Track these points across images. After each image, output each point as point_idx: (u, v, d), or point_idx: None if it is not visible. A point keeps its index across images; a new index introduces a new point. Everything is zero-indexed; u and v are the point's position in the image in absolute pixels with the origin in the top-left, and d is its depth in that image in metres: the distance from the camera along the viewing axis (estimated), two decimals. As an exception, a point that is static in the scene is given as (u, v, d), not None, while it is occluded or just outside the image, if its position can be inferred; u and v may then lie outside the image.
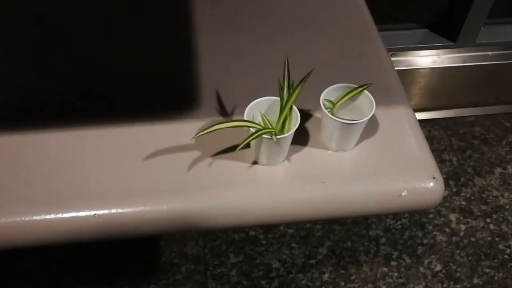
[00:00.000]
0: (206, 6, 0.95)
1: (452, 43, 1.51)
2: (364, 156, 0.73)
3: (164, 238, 1.40)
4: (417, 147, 0.75)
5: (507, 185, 1.55)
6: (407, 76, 1.57)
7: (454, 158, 1.61)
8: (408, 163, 0.73)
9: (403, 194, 0.70)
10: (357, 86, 0.70)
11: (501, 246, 1.43)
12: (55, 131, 0.73)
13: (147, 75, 0.83)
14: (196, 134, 0.64)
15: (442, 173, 1.57)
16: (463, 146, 1.65)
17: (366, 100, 0.70)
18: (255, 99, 0.69)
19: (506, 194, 1.53)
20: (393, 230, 1.45)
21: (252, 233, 1.42)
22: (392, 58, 1.53)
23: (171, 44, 0.88)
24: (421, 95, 1.66)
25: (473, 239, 1.44)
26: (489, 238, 1.44)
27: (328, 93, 0.71)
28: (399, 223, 1.47)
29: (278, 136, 0.64)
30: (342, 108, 0.73)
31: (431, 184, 0.71)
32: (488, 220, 1.48)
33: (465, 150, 1.64)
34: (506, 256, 1.41)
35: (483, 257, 1.41)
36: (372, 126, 0.76)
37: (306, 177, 0.70)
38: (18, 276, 1.32)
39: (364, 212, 0.73)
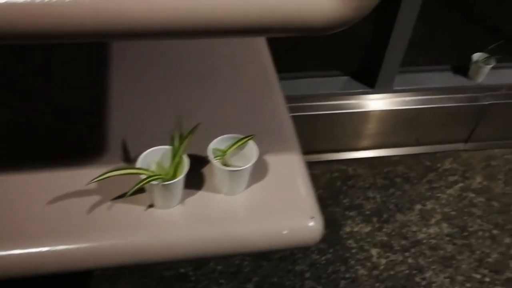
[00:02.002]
0: (118, 59, 1.03)
1: (371, 89, 1.64)
2: (253, 199, 0.81)
3: (95, 276, 1.44)
4: (302, 189, 0.83)
5: (425, 220, 1.66)
6: (332, 119, 1.68)
7: (378, 196, 1.72)
8: (291, 204, 0.81)
9: (284, 232, 0.78)
10: (243, 136, 0.79)
11: (417, 279, 1.52)
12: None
13: (55, 121, 0.90)
14: (91, 181, 0.71)
15: (366, 209, 1.68)
16: (387, 184, 1.76)
17: (252, 149, 0.79)
18: (159, 146, 0.77)
19: (424, 229, 1.64)
20: (318, 265, 1.53)
21: (182, 270, 1.47)
22: (317, 103, 1.64)
23: (82, 93, 0.96)
24: (346, 137, 1.77)
25: (392, 272, 1.53)
26: (407, 271, 1.54)
27: (218, 143, 0.79)
28: (323, 258, 1.55)
29: (164, 182, 0.72)
30: (233, 156, 0.81)
31: (310, 223, 0.79)
32: (406, 254, 1.58)
33: (388, 188, 1.75)
34: (421, 288, 1.50)
35: (400, 289, 1.50)
36: (262, 171, 0.84)
37: (199, 219, 0.78)
38: None
39: (253, 249, 0.80)
